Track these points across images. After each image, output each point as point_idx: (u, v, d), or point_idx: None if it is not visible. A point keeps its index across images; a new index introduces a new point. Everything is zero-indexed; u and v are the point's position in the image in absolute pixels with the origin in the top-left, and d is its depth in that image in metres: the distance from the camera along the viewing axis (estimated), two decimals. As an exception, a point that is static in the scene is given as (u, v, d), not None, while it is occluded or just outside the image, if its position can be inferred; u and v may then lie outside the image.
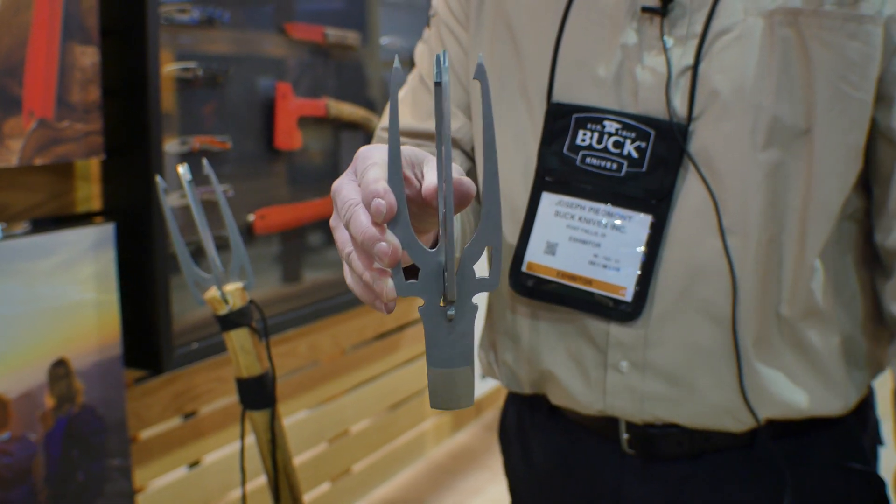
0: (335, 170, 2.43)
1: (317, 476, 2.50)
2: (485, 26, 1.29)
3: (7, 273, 1.52)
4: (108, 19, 1.68)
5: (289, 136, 2.20)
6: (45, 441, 1.59)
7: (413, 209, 0.86)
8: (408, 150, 0.87)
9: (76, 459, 1.65)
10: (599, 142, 1.19)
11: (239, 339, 1.37)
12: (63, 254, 1.62)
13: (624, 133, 1.17)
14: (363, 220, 0.76)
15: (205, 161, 1.40)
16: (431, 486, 3.02)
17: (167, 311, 1.81)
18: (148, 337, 1.81)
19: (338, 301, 2.40)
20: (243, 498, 1.44)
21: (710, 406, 1.21)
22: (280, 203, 2.22)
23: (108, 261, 1.70)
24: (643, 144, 1.16)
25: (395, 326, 2.83)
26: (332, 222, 0.87)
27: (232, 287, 1.38)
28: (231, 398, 2.14)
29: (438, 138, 0.78)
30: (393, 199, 0.74)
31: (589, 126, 1.19)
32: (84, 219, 1.75)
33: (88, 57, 1.62)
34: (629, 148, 1.17)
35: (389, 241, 0.74)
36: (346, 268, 0.86)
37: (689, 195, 1.15)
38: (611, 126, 1.18)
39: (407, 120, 1.35)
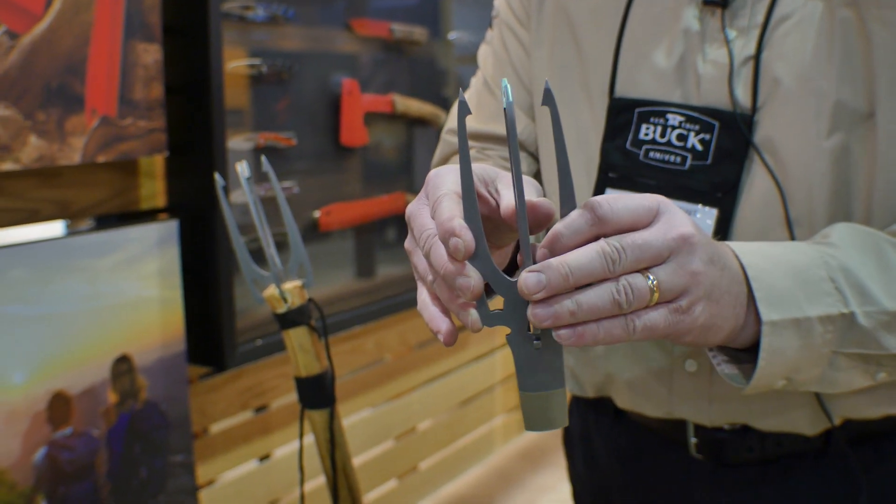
0: (403, 166, 2.42)
1: (383, 473, 2.49)
2: (545, 25, 1.28)
3: (71, 270, 1.53)
4: (170, 16, 1.68)
5: (355, 132, 2.19)
6: (107, 437, 1.60)
7: (488, 226, 0.86)
8: (479, 168, 0.87)
9: (138, 455, 1.66)
10: (663, 135, 1.17)
11: (297, 337, 1.36)
12: (127, 250, 1.63)
13: (687, 126, 1.15)
14: (443, 254, 0.78)
15: (263, 158, 1.40)
16: (501, 484, 3.00)
17: (231, 308, 1.82)
18: (211, 333, 1.81)
19: (405, 298, 2.39)
20: (301, 498, 1.44)
21: (782, 406, 1.17)
22: (346, 200, 2.21)
23: (171, 257, 1.70)
24: (707, 137, 1.14)
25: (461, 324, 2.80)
26: (407, 245, 0.89)
27: (291, 285, 1.37)
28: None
29: (513, 165, 0.77)
30: (470, 238, 0.75)
31: (652, 120, 1.17)
32: (148, 216, 1.76)
33: (151, 54, 1.63)
34: (693, 140, 1.15)
35: (471, 276, 0.76)
36: (420, 289, 0.88)
37: (755, 187, 1.13)
38: (674, 119, 1.16)
39: (472, 123, 1.34)
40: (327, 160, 2.16)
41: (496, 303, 0.79)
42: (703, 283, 0.82)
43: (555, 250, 0.77)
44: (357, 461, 2.36)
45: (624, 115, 1.19)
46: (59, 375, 1.52)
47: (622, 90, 1.20)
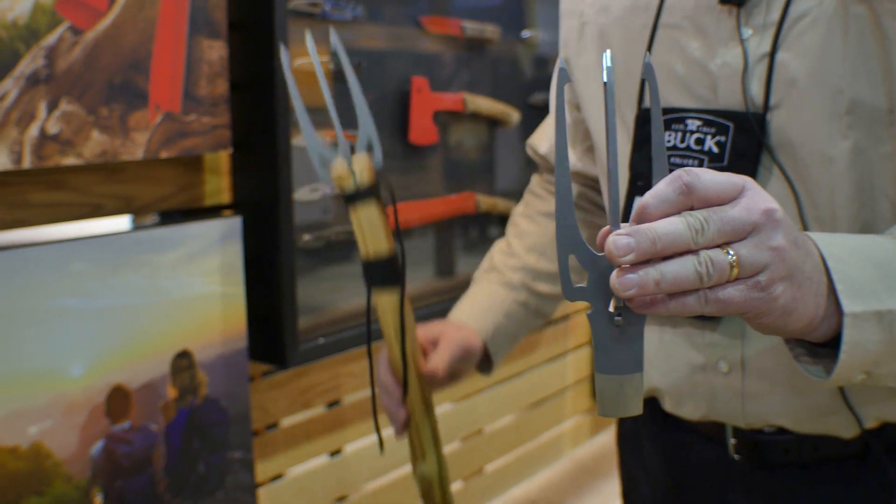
0: (473, 166, 2.40)
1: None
2: (587, 50, 1.32)
3: (134, 264, 1.54)
4: (235, 12, 1.69)
5: (424, 130, 2.18)
6: (166, 431, 1.61)
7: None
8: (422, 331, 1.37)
9: (197, 450, 1.66)
10: (682, 141, 1.18)
11: (366, 213, 1.30)
12: (189, 246, 1.63)
13: (704, 129, 1.16)
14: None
15: (332, 31, 1.35)
16: (573, 487, 2.96)
17: (293, 306, 1.81)
18: (273, 331, 1.81)
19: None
20: (376, 426, 1.39)
21: (813, 407, 1.17)
22: (414, 199, 2.20)
23: (234, 254, 1.70)
24: (723, 139, 1.14)
25: (534, 325, 2.78)
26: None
27: (359, 160, 1.30)
28: (367, 391, 2.13)
29: (608, 136, 0.79)
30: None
31: (673, 126, 1.19)
32: (212, 212, 1.76)
33: (216, 51, 1.63)
34: (710, 143, 1.16)
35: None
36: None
37: (771, 187, 1.12)
38: (692, 124, 1.17)
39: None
40: (395, 158, 2.15)
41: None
42: (785, 260, 0.81)
43: (642, 220, 0.78)
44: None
45: (649, 125, 1.19)
46: (118, 369, 1.53)
47: (648, 101, 1.22)
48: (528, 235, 1.56)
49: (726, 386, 1.20)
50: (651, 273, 0.75)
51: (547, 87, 2.15)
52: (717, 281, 0.77)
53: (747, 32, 1.14)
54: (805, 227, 1.09)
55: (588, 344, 3.02)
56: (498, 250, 1.60)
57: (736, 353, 1.18)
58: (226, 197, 1.79)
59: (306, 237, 1.90)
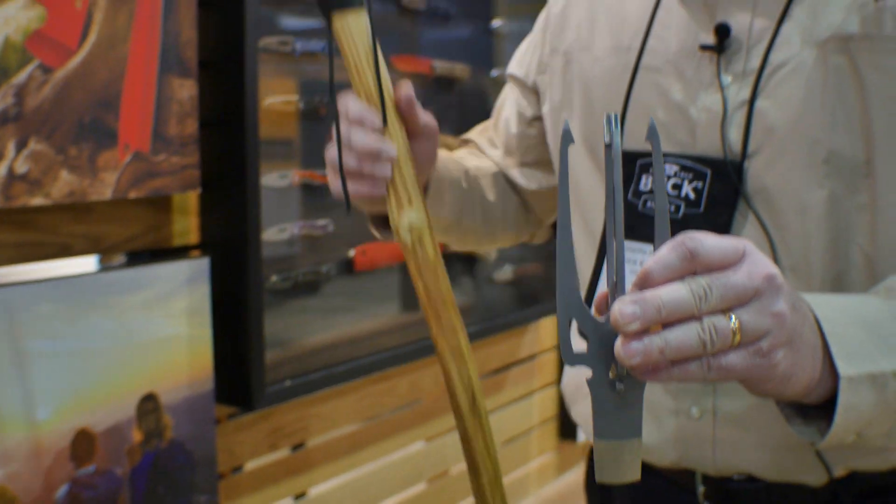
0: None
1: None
2: (560, 88, 1.33)
3: (100, 306, 1.52)
4: (205, 51, 1.67)
5: (393, 170, 2.17)
6: (131, 475, 1.58)
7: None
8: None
9: (162, 495, 1.63)
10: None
11: None
12: (157, 287, 1.61)
13: (682, 174, 1.16)
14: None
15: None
16: (536, 527, 2.96)
17: (260, 348, 1.79)
18: (240, 373, 1.79)
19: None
20: (344, 186, 1.14)
21: (784, 455, 1.15)
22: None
23: (202, 295, 1.68)
24: (700, 185, 1.14)
25: (500, 365, 2.78)
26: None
27: None
28: (333, 433, 2.12)
29: (612, 206, 0.79)
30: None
31: (650, 170, 1.19)
32: (180, 252, 1.74)
33: (186, 90, 1.62)
34: (687, 189, 1.15)
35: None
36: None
37: (746, 234, 1.12)
38: (670, 168, 1.17)
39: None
40: (364, 198, 2.14)
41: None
42: (786, 326, 0.80)
43: (645, 286, 0.77)
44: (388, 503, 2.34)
45: (627, 167, 1.20)
46: (83, 412, 1.50)
47: (627, 144, 1.21)
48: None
49: (697, 432, 1.19)
50: (656, 341, 0.75)
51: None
52: (720, 348, 0.77)
53: (727, 79, 1.14)
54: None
55: (554, 383, 3.02)
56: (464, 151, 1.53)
57: (708, 399, 1.17)
58: (194, 237, 1.77)
59: (274, 278, 1.88)
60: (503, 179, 1.45)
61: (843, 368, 0.89)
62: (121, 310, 1.55)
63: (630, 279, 1.18)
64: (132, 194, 1.54)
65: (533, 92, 1.42)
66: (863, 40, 1.07)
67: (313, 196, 1.98)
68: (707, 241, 0.78)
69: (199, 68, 1.64)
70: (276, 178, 1.87)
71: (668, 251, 0.77)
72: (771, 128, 1.11)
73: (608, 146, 0.77)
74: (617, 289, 0.77)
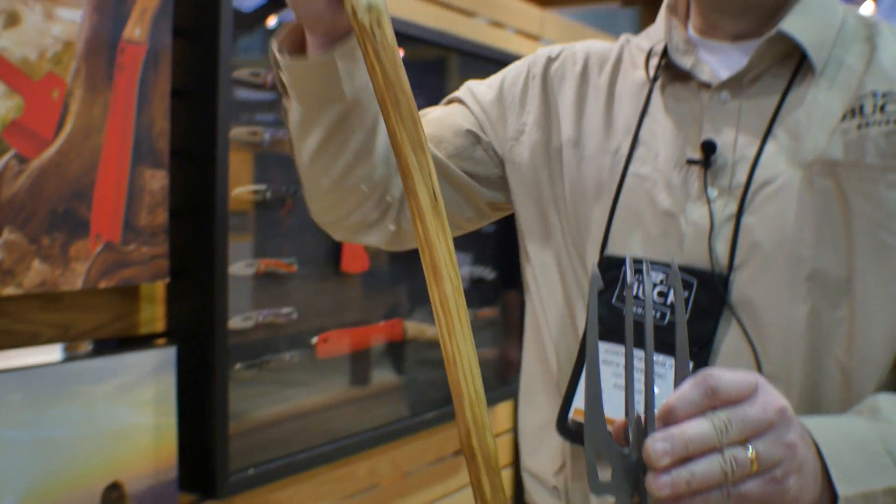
0: (401, 294, 2.42)
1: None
2: (543, 171, 1.34)
3: (67, 395, 1.51)
4: (177, 140, 1.69)
5: (356, 258, 2.20)
6: (94, 567, 1.56)
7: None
8: None
9: (125, 587, 1.62)
10: (645, 292, 1.19)
11: None
12: (124, 376, 1.61)
13: (668, 283, 1.20)
14: None
15: None
16: None
17: (224, 437, 1.79)
18: (204, 461, 1.79)
19: (398, 426, 2.37)
20: None
21: None
22: (345, 326, 2.21)
23: (168, 384, 1.68)
24: (686, 294, 1.18)
25: (456, 450, 2.78)
26: None
27: None
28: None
29: (628, 361, 0.89)
30: None
31: (637, 277, 1.21)
32: (147, 340, 1.74)
33: (158, 180, 1.63)
34: (672, 298, 1.19)
35: None
36: None
37: (731, 343, 1.16)
38: (656, 276, 1.21)
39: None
40: (327, 286, 2.16)
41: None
42: (797, 455, 0.88)
43: (669, 421, 0.84)
44: (346, 592, 2.32)
45: (612, 271, 1.24)
46: (49, 502, 1.49)
47: (612, 248, 1.25)
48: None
49: None
50: (682, 474, 0.81)
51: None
52: (739, 476, 0.84)
53: (713, 193, 1.18)
54: None
55: (510, 464, 3.02)
56: None
57: None
58: (160, 325, 1.77)
59: (238, 366, 1.89)
60: None
61: (842, 489, 0.95)
62: (87, 399, 1.55)
63: (611, 381, 1.21)
64: (102, 284, 1.55)
65: (489, 146, 1.37)
66: (851, 167, 1.12)
67: (278, 285, 1.99)
68: (725, 378, 0.85)
69: (170, 158, 1.66)
70: (242, 267, 1.89)
71: (690, 388, 0.85)
72: (757, 243, 1.15)
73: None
74: (647, 426, 0.84)
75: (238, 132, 1.84)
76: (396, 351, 2.44)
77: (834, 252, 1.13)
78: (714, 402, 0.85)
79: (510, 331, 2.90)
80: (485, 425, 0.91)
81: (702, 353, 1.16)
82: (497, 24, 2.89)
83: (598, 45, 1.40)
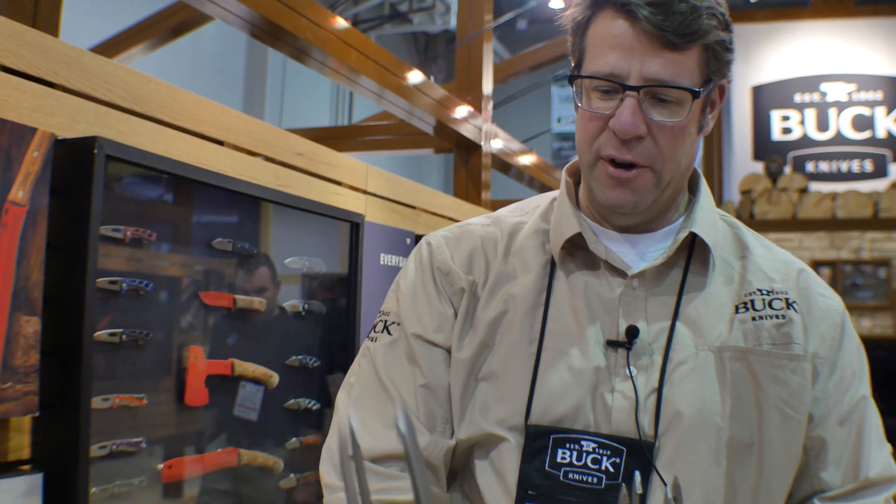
0: (235, 424, 2.63)
1: None
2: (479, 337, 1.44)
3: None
4: (50, 289, 1.90)
5: (197, 393, 2.41)
6: None
7: None
8: None
9: None
10: (579, 459, 1.35)
11: None
12: (-5, 501, 1.76)
13: (600, 451, 1.34)
14: None
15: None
16: None
17: (83, 556, 1.95)
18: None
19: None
20: None
21: None
22: (187, 454, 2.41)
23: (33, 508, 1.83)
24: (618, 460, 1.33)
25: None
26: None
27: None
28: None
29: None
30: None
31: (567, 445, 1.35)
32: (12, 467, 1.89)
33: (32, 325, 1.83)
34: (606, 463, 1.34)
35: None
36: None
37: (659, 499, 1.32)
38: (588, 445, 1.34)
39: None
40: (173, 418, 2.36)
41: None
42: None
43: None
44: None
45: (540, 440, 1.36)
46: None
47: (537, 418, 1.37)
48: None
49: None
50: None
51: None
52: None
53: (634, 371, 1.34)
54: None
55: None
56: None
57: None
58: (26, 452, 1.93)
59: (93, 490, 2.06)
60: None
61: None
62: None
63: None
64: (-20, 418, 1.72)
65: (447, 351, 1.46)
66: (760, 354, 1.34)
67: (131, 417, 2.19)
68: None
69: (43, 305, 1.86)
70: (99, 401, 2.08)
71: None
72: (679, 413, 1.33)
73: None
74: None
75: (101, 281, 2.06)
76: (232, 476, 2.63)
77: (746, 422, 1.33)
78: None
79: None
80: None
81: None
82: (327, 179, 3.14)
83: (479, 231, 1.49)
